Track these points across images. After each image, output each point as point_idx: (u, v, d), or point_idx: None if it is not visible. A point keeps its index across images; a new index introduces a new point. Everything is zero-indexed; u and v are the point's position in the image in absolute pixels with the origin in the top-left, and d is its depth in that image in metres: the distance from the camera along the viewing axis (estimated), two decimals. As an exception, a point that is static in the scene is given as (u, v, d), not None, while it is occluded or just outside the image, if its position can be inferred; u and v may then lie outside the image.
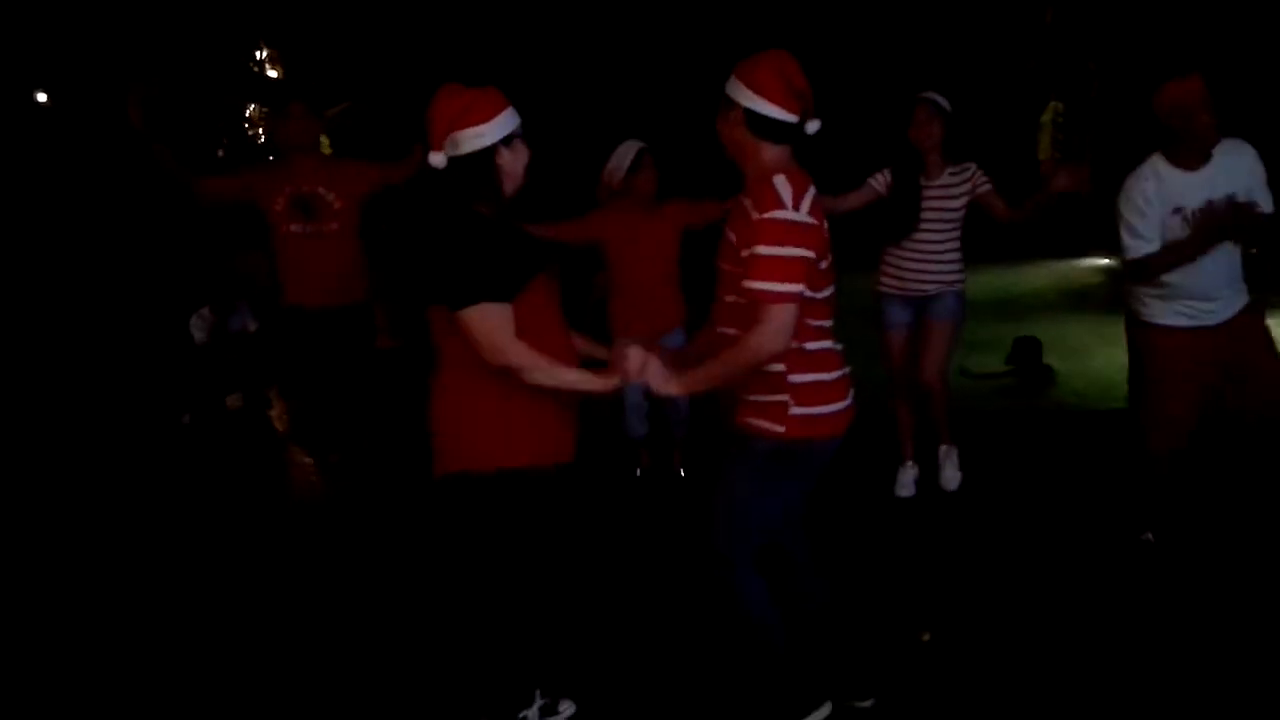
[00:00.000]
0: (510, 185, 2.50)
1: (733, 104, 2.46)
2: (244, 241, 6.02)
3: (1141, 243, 3.42)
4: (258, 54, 13.78)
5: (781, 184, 2.38)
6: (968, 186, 4.19)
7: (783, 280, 2.33)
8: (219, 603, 3.76)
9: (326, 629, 3.49)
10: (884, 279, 4.37)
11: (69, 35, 10.50)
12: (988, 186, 4.20)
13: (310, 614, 3.62)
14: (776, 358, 2.40)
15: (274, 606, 3.71)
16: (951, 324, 4.32)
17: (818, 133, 2.50)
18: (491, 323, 2.35)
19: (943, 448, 4.50)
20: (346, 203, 4.18)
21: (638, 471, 4.86)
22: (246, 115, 13.35)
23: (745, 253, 2.39)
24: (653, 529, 4.33)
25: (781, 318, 2.33)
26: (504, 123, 2.45)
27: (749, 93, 2.43)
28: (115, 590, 3.92)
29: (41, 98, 11.30)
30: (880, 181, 4.27)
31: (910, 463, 4.53)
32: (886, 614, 3.37)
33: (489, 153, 2.43)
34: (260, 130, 13.24)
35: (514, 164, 2.49)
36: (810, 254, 2.38)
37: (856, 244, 4.19)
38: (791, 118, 2.44)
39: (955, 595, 3.56)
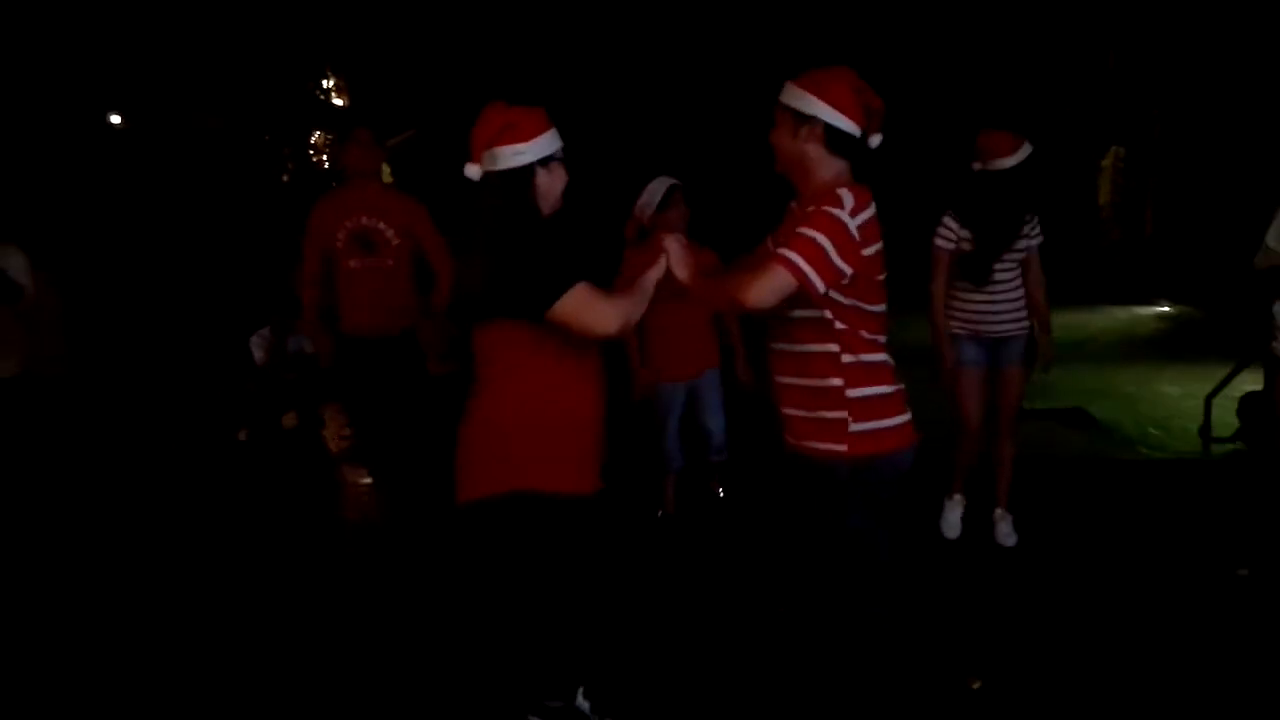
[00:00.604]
0: (546, 206, 2.54)
1: (806, 118, 2.45)
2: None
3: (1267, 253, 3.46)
4: (325, 82, 14.11)
5: (845, 194, 2.38)
6: (1025, 229, 4.14)
7: (804, 257, 2.32)
8: (257, 611, 3.81)
9: (362, 643, 3.52)
10: (953, 322, 4.28)
11: (143, 60, 10.85)
12: (1038, 241, 4.17)
13: (345, 627, 3.65)
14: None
15: (309, 617, 3.75)
16: (1024, 368, 4.27)
17: (880, 177, 2.53)
18: (589, 299, 2.41)
19: (998, 510, 4.40)
20: (403, 240, 4.24)
21: (659, 514, 4.70)
22: (311, 141, 13.65)
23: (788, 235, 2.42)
24: (694, 557, 4.31)
25: (778, 280, 2.32)
26: (544, 144, 2.49)
27: (828, 108, 2.43)
28: (161, 598, 3.98)
29: (115, 120, 11.67)
30: (948, 236, 4.17)
31: (959, 496, 4.47)
32: (936, 657, 3.32)
33: (526, 171, 2.47)
34: (324, 156, 13.53)
35: (550, 185, 2.53)
36: (844, 265, 2.36)
37: (908, 285, 4.16)
38: (858, 131, 2.46)
39: (1007, 641, 3.50)
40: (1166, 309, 12.41)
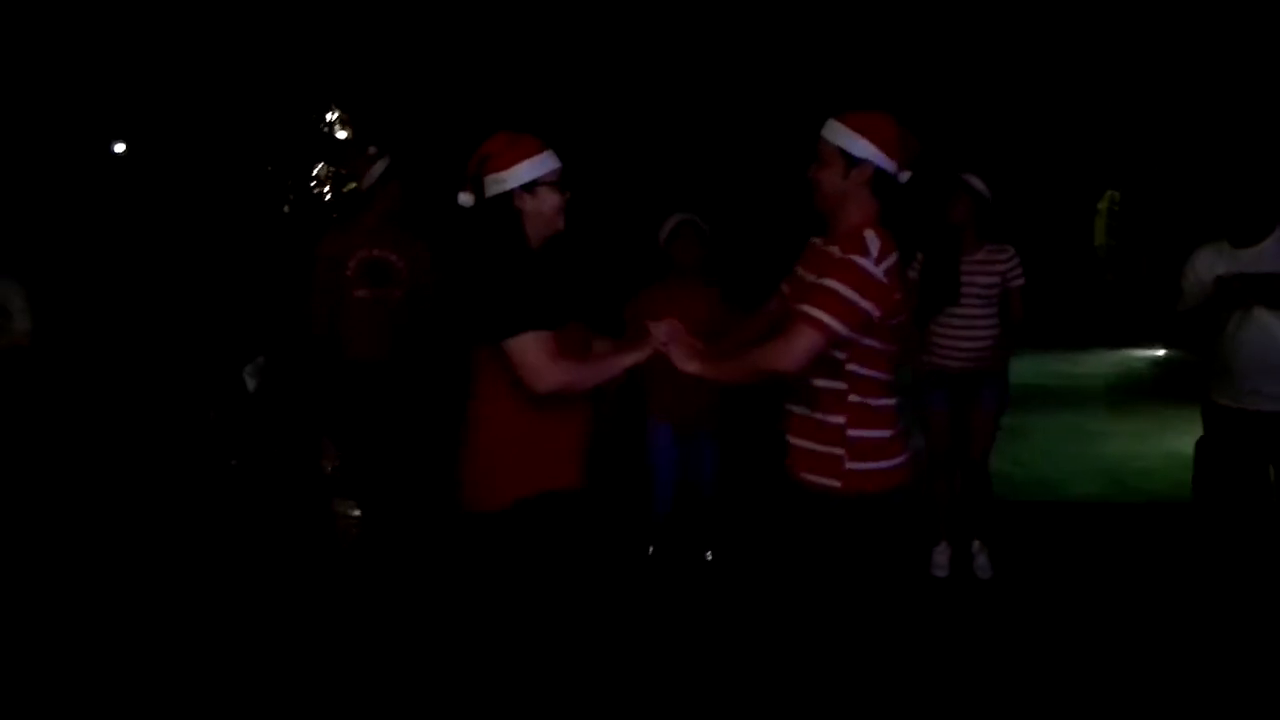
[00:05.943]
0: (537, 229, 2.57)
1: (858, 160, 2.47)
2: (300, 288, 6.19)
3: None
4: (329, 115, 14.20)
5: (871, 238, 2.41)
6: (1003, 267, 4.22)
7: (829, 313, 2.35)
8: (247, 636, 3.81)
9: (340, 666, 3.51)
10: (925, 358, 4.36)
11: (147, 88, 10.94)
12: (1019, 283, 4.24)
13: (326, 648, 3.65)
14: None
15: (292, 637, 3.76)
16: (994, 408, 4.30)
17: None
18: (535, 351, 2.40)
19: (975, 543, 4.45)
20: (411, 272, 4.35)
21: (650, 550, 4.61)
22: (314, 174, 13.74)
23: (813, 280, 2.45)
24: (681, 615, 4.27)
25: (807, 341, 2.35)
26: (526, 170, 2.53)
27: (878, 151, 2.47)
28: (148, 624, 3.97)
29: (119, 148, 11.75)
30: (915, 269, 4.32)
31: (945, 543, 4.48)
32: (919, 701, 3.29)
33: (507, 197, 2.53)
34: (326, 189, 13.63)
35: (537, 208, 2.55)
36: (872, 309, 2.38)
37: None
38: (896, 172, 2.52)
39: (984, 685, 3.48)
40: (1161, 352, 12.43)
